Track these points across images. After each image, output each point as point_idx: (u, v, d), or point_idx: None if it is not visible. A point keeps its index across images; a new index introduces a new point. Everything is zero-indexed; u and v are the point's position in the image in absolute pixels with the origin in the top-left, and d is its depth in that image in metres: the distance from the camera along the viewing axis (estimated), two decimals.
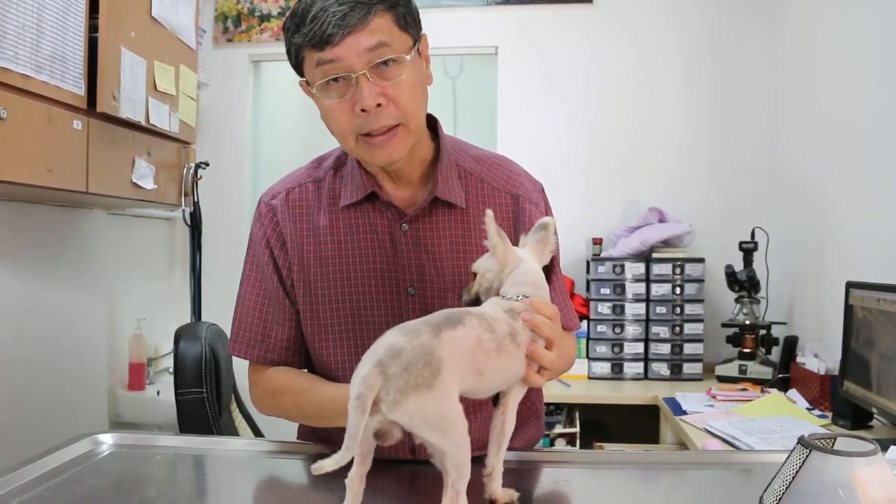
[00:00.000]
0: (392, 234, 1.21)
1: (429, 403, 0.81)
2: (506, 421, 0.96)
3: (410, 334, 0.84)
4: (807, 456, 0.84)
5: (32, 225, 2.22)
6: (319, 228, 1.23)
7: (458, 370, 0.85)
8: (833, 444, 0.88)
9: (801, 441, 0.86)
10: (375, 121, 1.09)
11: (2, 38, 1.61)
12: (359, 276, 1.21)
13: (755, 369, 2.73)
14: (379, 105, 1.08)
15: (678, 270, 2.93)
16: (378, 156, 1.13)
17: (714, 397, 2.47)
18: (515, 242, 1.25)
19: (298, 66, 1.14)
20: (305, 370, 1.32)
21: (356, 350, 1.21)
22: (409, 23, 1.12)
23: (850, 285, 2.10)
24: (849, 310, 2.09)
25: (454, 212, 1.22)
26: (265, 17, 3.42)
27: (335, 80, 1.09)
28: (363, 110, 1.08)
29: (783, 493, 0.84)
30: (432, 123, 1.26)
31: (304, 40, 1.07)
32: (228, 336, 1.32)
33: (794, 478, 0.84)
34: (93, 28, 1.96)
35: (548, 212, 1.31)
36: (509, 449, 0.99)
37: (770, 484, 0.88)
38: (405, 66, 1.09)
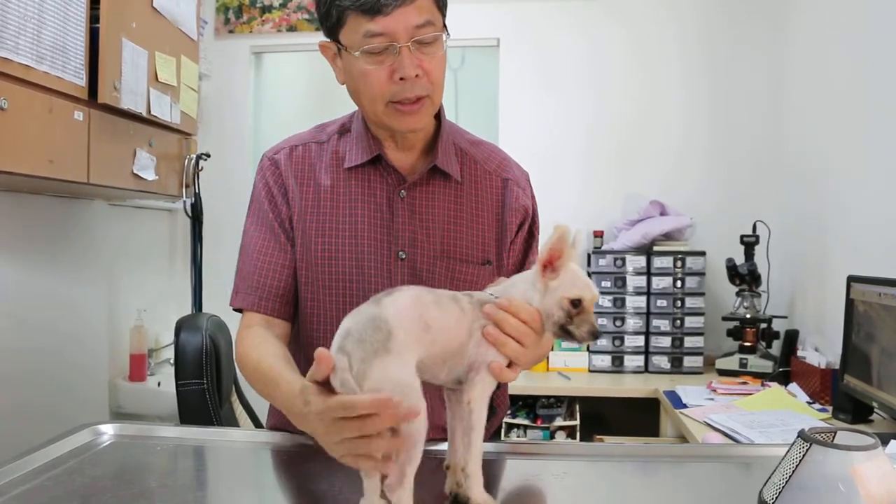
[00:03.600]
0: (390, 200, 1.27)
1: (392, 367, 0.83)
2: (472, 412, 0.93)
3: (354, 314, 0.88)
4: (807, 450, 0.84)
5: (33, 216, 2.22)
6: (321, 187, 1.28)
7: (408, 325, 0.87)
8: (833, 437, 0.88)
9: (802, 435, 0.86)
10: (410, 90, 1.15)
11: (3, 28, 1.61)
12: (355, 237, 1.26)
13: (756, 363, 2.73)
14: (416, 76, 1.14)
15: (679, 264, 2.93)
16: (404, 123, 1.19)
17: (714, 391, 2.47)
18: (502, 221, 1.28)
19: (334, 28, 1.17)
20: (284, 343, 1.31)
21: (344, 306, 1.24)
22: (443, 3, 1.18)
23: (851, 279, 2.10)
24: (850, 304, 2.09)
25: (449, 184, 1.29)
26: (266, 9, 3.41)
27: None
28: (402, 79, 1.14)
29: (783, 487, 0.84)
30: None
31: (352, 5, 1.11)
32: (229, 306, 1.33)
33: (794, 471, 0.84)
34: (94, 19, 1.96)
35: (533, 198, 1.37)
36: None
37: (770, 477, 0.88)
38: (441, 43, 1.16)
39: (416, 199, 1.27)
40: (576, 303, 0.93)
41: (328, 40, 1.20)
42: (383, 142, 1.27)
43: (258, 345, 1.25)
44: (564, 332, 0.95)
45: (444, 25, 1.18)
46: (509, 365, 0.96)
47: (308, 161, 1.30)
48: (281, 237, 1.29)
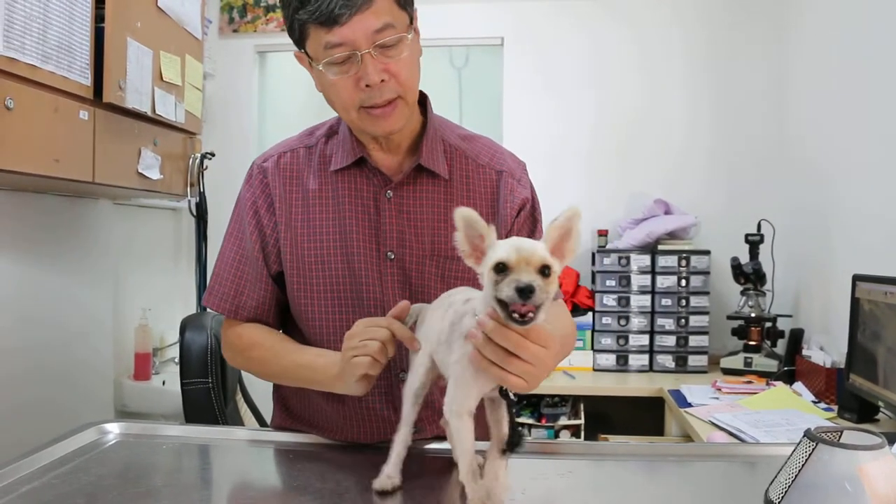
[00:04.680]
0: (377, 200, 1.26)
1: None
2: (447, 426, 0.92)
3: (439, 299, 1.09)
4: (813, 449, 0.84)
5: (38, 215, 2.22)
6: (308, 192, 1.28)
7: (426, 318, 1.06)
8: (839, 437, 0.87)
9: (808, 434, 0.86)
10: (379, 95, 1.14)
11: (9, 28, 1.61)
12: (343, 238, 1.25)
13: (760, 362, 2.73)
14: (382, 81, 1.12)
15: (684, 262, 2.92)
16: (379, 127, 1.18)
17: (719, 390, 2.47)
18: (497, 214, 1.28)
19: (300, 41, 1.17)
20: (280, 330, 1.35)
21: (338, 308, 1.26)
22: (407, 1, 1.16)
23: (856, 278, 2.10)
24: (855, 303, 2.08)
25: (437, 182, 1.27)
26: (271, 8, 3.41)
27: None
28: (367, 86, 1.12)
29: (789, 486, 0.84)
30: (422, 98, 1.30)
31: (310, 18, 1.10)
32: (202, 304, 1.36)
33: (800, 471, 0.84)
34: (99, 18, 1.96)
35: (531, 187, 1.36)
36: None
37: (776, 477, 0.88)
38: (406, 44, 1.14)
39: (404, 198, 1.26)
40: (499, 267, 0.84)
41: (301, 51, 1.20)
42: (367, 144, 1.26)
43: (266, 333, 1.29)
44: (503, 308, 0.85)
45: (411, 23, 1.17)
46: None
47: (296, 167, 1.30)
48: (257, 255, 1.29)
